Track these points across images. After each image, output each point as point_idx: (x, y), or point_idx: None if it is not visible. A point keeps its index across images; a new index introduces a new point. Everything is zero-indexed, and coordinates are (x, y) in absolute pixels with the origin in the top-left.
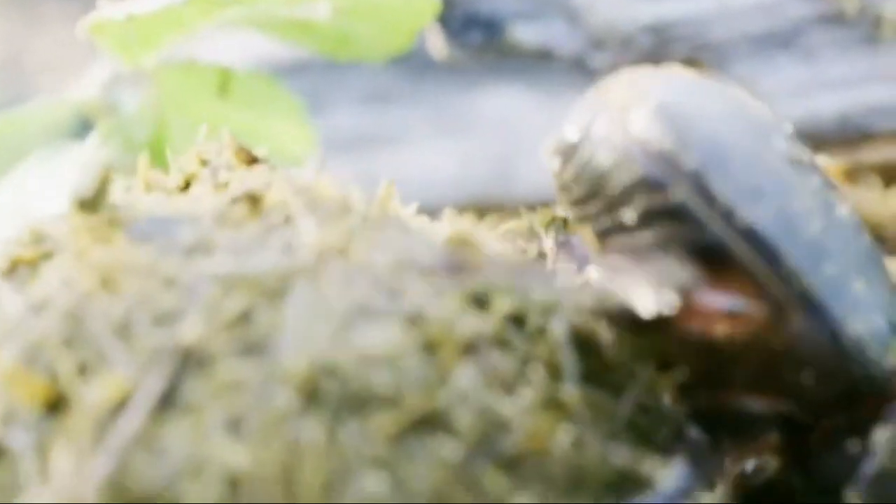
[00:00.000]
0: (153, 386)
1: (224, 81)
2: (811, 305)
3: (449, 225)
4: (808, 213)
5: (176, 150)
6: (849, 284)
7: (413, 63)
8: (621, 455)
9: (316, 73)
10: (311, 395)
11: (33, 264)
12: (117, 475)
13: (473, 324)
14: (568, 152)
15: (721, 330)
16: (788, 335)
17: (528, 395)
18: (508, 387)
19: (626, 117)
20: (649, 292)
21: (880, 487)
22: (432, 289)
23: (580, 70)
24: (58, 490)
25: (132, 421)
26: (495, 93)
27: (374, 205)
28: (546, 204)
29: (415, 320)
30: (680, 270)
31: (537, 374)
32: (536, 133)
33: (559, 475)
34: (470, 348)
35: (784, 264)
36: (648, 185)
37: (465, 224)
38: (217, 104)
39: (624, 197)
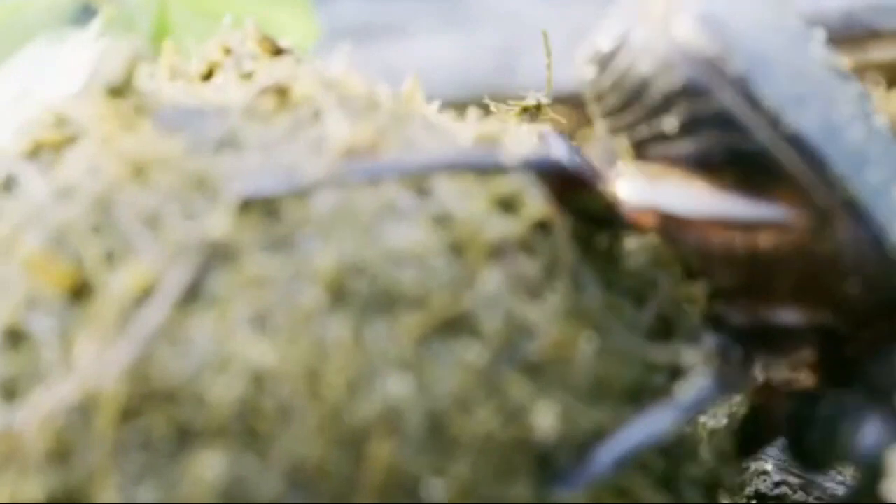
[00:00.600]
0: (179, 277)
1: None
2: (856, 212)
3: (475, 124)
4: (850, 120)
5: (178, 38)
6: (891, 192)
7: None
8: (641, 365)
9: None
10: (338, 294)
11: (56, 147)
12: (140, 365)
13: (501, 227)
14: (604, 61)
15: (765, 240)
16: (833, 243)
17: (553, 302)
18: (534, 292)
19: (667, 24)
20: (692, 198)
21: None
22: (460, 190)
23: None
24: (79, 378)
25: (157, 312)
26: None
27: (400, 101)
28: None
29: (442, 221)
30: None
31: (562, 281)
32: (542, 27)
33: (581, 383)
34: (497, 252)
35: (829, 171)
36: (692, 91)
37: (493, 124)
38: None
39: (665, 104)
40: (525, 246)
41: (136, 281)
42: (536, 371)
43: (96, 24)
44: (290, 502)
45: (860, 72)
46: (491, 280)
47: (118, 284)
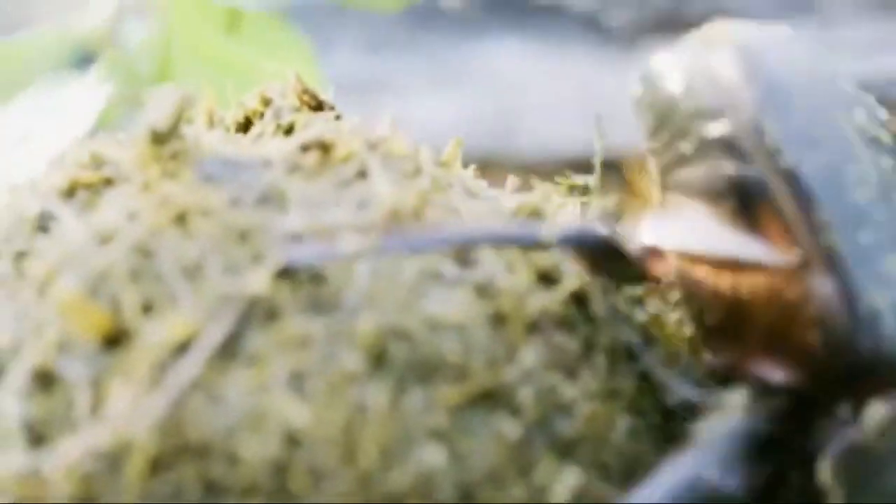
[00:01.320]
0: (218, 331)
1: (233, 18)
2: (834, 263)
3: (514, 194)
4: (863, 181)
5: (179, 84)
6: (882, 258)
7: (422, 11)
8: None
9: (322, 16)
10: (378, 358)
11: (94, 189)
12: (172, 417)
13: (542, 300)
14: (649, 79)
15: (747, 281)
16: (806, 290)
17: (589, 380)
18: (571, 370)
19: (707, 50)
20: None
21: (850, 463)
22: (502, 260)
23: (592, 27)
24: (110, 426)
25: (192, 364)
26: (504, 45)
27: (441, 164)
28: (548, 163)
29: (485, 291)
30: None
31: (599, 358)
32: (542, 89)
33: (614, 463)
34: (537, 325)
35: (817, 214)
36: (707, 113)
37: (533, 195)
38: (225, 41)
39: (686, 126)
40: (564, 320)
41: (174, 331)
42: (570, 448)
43: (98, 68)
44: None
45: None
46: (530, 353)
47: (155, 334)
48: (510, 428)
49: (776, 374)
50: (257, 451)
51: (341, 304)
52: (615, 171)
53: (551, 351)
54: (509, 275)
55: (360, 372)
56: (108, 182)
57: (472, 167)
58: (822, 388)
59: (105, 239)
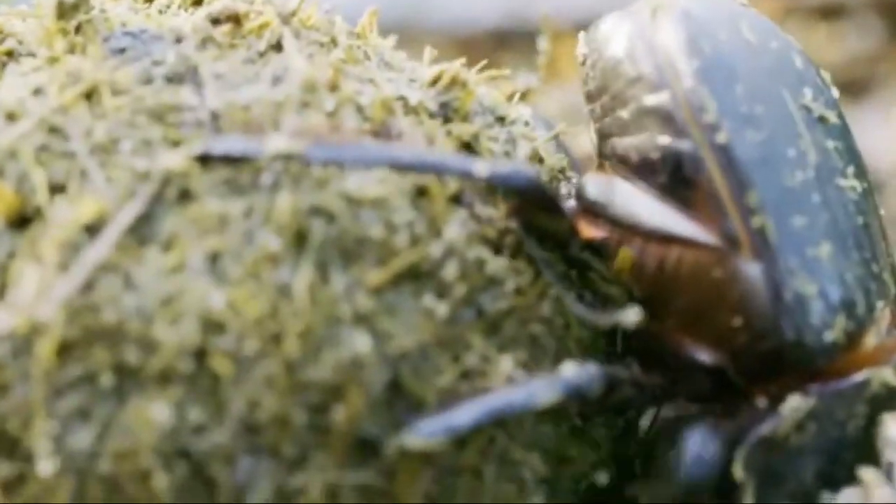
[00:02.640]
0: (130, 212)
1: None
2: (763, 246)
3: (432, 64)
4: (800, 163)
5: None
6: (814, 244)
7: None
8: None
9: None
10: (298, 238)
11: None
12: (83, 301)
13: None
14: (593, 43)
15: (673, 255)
16: (732, 272)
17: (515, 253)
18: (497, 244)
19: (654, 17)
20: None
21: (763, 456)
22: (423, 132)
23: None
24: (16, 308)
25: (104, 245)
26: None
27: (356, 35)
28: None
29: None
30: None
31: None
32: None
33: (543, 336)
34: (459, 198)
35: (750, 193)
36: (647, 82)
37: (452, 64)
38: None
39: (626, 93)
40: (487, 192)
41: (84, 212)
42: (498, 323)
43: None
44: (243, 454)
45: (794, 12)
46: (454, 228)
47: (64, 214)
48: (437, 306)
49: (698, 352)
50: (173, 336)
51: (259, 183)
52: (533, 43)
53: (476, 224)
54: (430, 147)
55: (280, 253)
56: (10, 55)
57: (390, 38)
58: (742, 373)
59: (10, 116)
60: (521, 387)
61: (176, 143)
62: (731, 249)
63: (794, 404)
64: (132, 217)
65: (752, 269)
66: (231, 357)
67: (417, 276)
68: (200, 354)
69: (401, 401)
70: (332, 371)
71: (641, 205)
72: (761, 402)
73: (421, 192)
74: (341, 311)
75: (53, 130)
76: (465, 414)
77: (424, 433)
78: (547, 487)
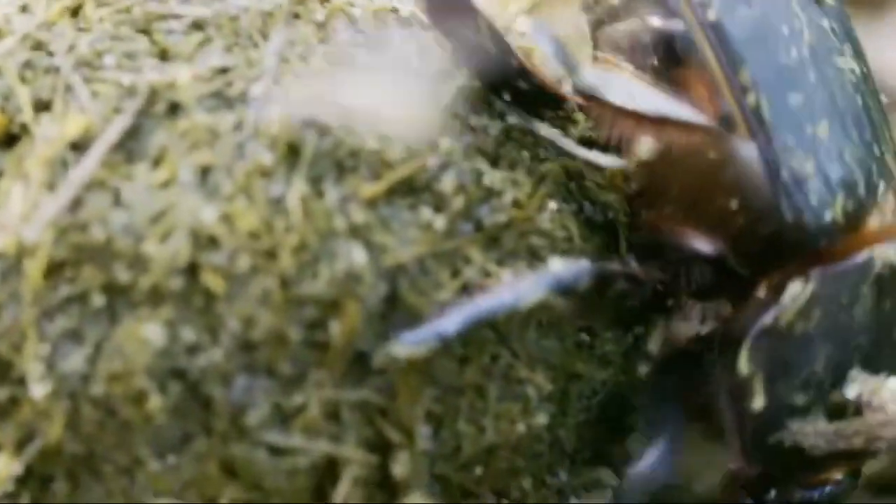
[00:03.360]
0: (117, 127)
1: None
2: (758, 124)
3: None
4: (795, 41)
5: None
6: (811, 122)
7: None
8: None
9: None
10: (290, 151)
11: None
12: (70, 218)
13: (457, 81)
14: None
15: (669, 138)
16: (728, 153)
17: (513, 164)
18: (494, 155)
19: None
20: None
21: (768, 347)
22: (417, 41)
23: None
24: (2, 228)
25: (91, 162)
26: None
27: None
28: None
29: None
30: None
31: (522, 140)
32: None
33: (541, 248)
34: (454, 109)
35: (742, 71)
36: None
37: None
38: None
39: None
40: (482, 103)
41: (70, 128)
42: (496, 236)
43: None
44: (239, 373)
45: None
46: (449, 138)
47: (50, 131)
48: (434, 219)
49: (697, 242)
50: (164, 253)
51: (249, 95)
52: None
53: (471, 135)
54: (423, 58)
55: (272, 166)
56: None
57: None
58: (742, 262)
59: None
60: (507, 287)
61: (163, 55)
62: (726, 130)
63: (795, 290)
64: (119, 133)
65: (747, 149)
66: (224, 273)
67: (413, 189)
68: (192, 271)
69: (399, 315)
70: (328, 286)
71: (636, 90)
72: (763, 293)
73: None
74: (336, 225)
75: (37, 46)
76: (452, 319)
77: (411, 341)
78: (553, 406)
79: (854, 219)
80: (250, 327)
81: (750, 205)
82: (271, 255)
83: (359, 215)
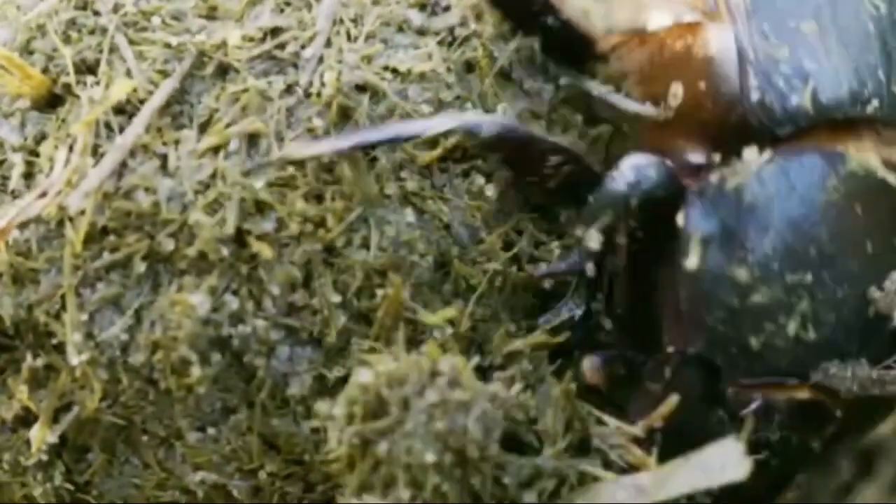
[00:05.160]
0: (164, 91)
1: None
2: (737, 10)
3: None
4: None
5: None
6: (797, 19)
7: None
8: None
9: None
10: (341, 116)
11: None
12: (116, 185)
13: (512, 46)
14: None
15: (666, 42)
16: (706, 38)
17: (565, 128)
18: (547, 119)
19: None
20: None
21: (710, 205)
22: (470, 7)
23: None
24: (48, 194)
25: (137, 126)
26: None
27: None
28: None
29: (453, 40)
30: None
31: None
32: None
33: None
34: (509, 73)
35: None
36: None
37: None
38: None
39: None
40: (535, 66)
41: (115, 91)
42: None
43: None
44: (282, 341)
45: None
46: (504, 103)
47: (94, 94)
48: (486, 188)
49: (690, 153)
50: (209, 220)
51: (300, 59)
52: None
53: (526, 99)
54: (478, 22)
55: (321, 130)
56: None
57: None
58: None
59: None
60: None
61: (212, 15)
62: (708, 21)
63: (750, 156)
64: (166, 96)
65: (723, 34)
66: (271, 241)
67: (466, 156)
68: (239, 240)
69: (447, 284)
70: (377, 254)
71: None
72: (718, 157)
73: (469, 67)
74: (387, 191)
75: (82, 5)
76: (351, 137)
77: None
78: None
79: (827, 113)
80: (294, 296)
81: (718, 88)
82: (320, 222)
83: (412, 182)
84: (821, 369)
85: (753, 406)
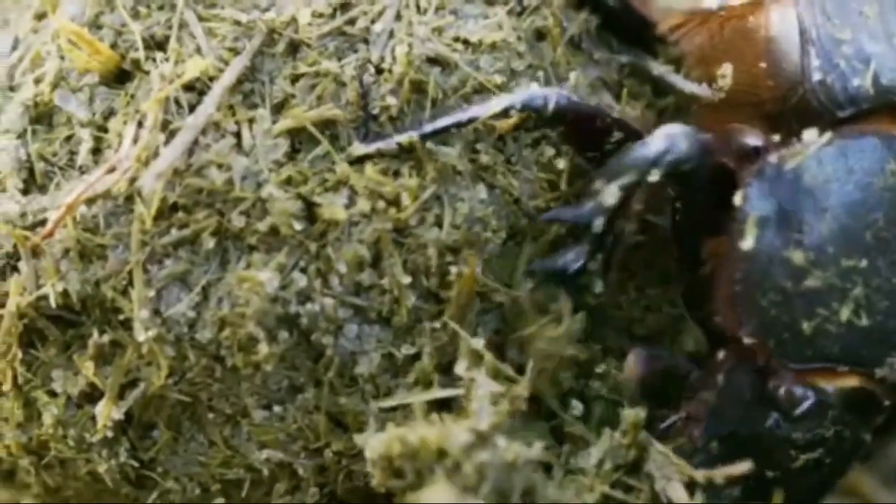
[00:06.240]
0: (235, 69)
1: None
2: None
3: None
4: None
5: None
6: (858, 1)
7: None
8: None
9: None
10: (415, 90)
11: None
12: (185, 161)
13: (582, 16)
14: None
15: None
16: (767, 18)
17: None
18: (616, 89)
19: None
20: None
21: (768, 185)
22: None
23: None
24: (117, 171)
25: (209, 104)
26: None
27: None
28: None
29: (523, 8)
30: None
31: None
32: None
33: None
34: (579, 43)
35: None
36: None
37: None
38: None
39: None
40: (603, 38)
41: (185, 68)
42: None
43: None
44: (350, 319)
45: None
46: (575, 72)
47: (164, 70)
48: (557, 161)
49: (748, 137)
50: (284, 195)
51: (370, 35)
52: None
53: (596, 68)
54: None
55: (398, 111)
56: None
57: None
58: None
59: None
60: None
61: None
62: (770, 1)
63: (809, 137)
64: (237, 74)
65: (785, 14)
66: (343, 219)
67: (538, 124)
68: (310, 217)
69: (520, 258)
70: (449, 230)
71: None
72: (777, 138)
73: (540, 36)
74: (461, 168)
75: None
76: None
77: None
78: None
79: (888, 96)
80: (362, 273)
81: (779, 68)
82: (393, 200)
83: (485, 157)
84: (887, 364)
85: (807, 404)
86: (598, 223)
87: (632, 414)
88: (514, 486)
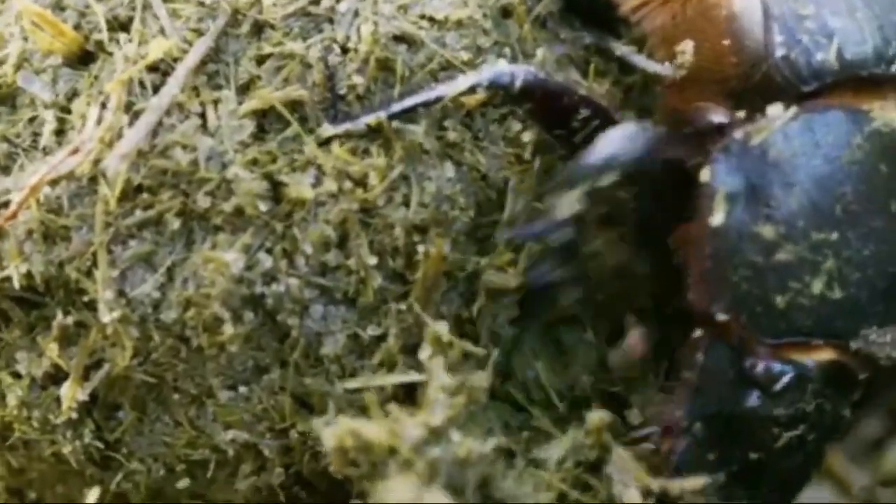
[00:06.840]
0: (199, 50)
1: None
2: None
3: None
4: None
5: None
6: None
7: None
8: None
9: None
10: (381, 68)
11: None
12: (149, 141)
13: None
14: None
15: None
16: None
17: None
18: (583, 67)
19: None
20: None
21: (735, 160)
22: None
23: None
24: (80, 152)
25: (172, 85)
26: None
27: None
28: None
29: None
30: None
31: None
32: None
33: None
34: (545, 21)
35: None
36: None
37: None
38: None
39: None
40: (564, 19)
41: (150, 50)
42: None
43: None
44: (315, 300)
45: None
46: (542, 49)
47: (127, 51)
48: (524, 134)
49: (713, 114)
50: (249, 175)
51: (336, 13)
52: None
53: (563, 45)
54: None
55: (364, 89)
56: None
57: None
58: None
59: None
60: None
61: None
62: None
63: (774, 112)
64: (201, 55)
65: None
66: (309, 199)
67: (505, 101)
68: (276, 198)
69: (486, 235)
70: (416, 209)
71: None
72: (742, 115)
73: (506, 13)
74: (428, 146)
75: None
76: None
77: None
78: None
79: (852, 70)
80: (328, 254)
81: (742, 45)
82: (360, 180)
83: (452, 133)
84: (861, 336)
85: (786, 379)
86: (557, 237)
87: (596, 416)
88: (468, 480)
